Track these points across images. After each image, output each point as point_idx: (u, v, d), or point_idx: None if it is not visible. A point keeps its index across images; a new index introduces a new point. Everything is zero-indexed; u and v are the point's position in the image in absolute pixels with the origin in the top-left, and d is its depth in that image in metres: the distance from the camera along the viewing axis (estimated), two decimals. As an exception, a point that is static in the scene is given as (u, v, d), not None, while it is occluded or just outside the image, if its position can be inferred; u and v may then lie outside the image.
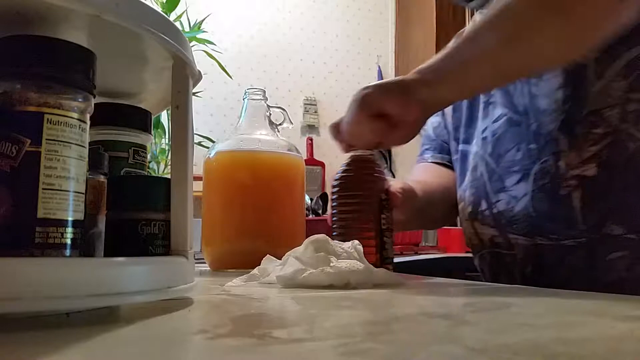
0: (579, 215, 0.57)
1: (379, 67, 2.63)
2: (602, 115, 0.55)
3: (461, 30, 0.58)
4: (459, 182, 0.75)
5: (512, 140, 0.64)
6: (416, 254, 1.79)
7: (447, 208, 0.80)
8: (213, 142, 1.30)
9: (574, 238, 0.57)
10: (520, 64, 0.53)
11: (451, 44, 0.57)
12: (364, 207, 0.59)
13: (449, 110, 0.80)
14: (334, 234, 0.61)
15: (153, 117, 0.51)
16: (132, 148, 0.48)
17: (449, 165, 0.82)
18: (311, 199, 1.79)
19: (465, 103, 0.76)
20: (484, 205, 0.67)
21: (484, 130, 0.69)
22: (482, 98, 0.71)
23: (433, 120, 0.85)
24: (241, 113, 0.77)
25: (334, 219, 0.61)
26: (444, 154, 0.83)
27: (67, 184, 0.30)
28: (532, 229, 0.60)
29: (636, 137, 0.54)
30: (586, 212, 0.56)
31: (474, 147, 0.71)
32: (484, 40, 0.53)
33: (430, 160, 0.84)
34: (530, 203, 0.60)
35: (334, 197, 0.61)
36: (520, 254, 0.62)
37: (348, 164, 0.61)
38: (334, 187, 0.61)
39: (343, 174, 0.61)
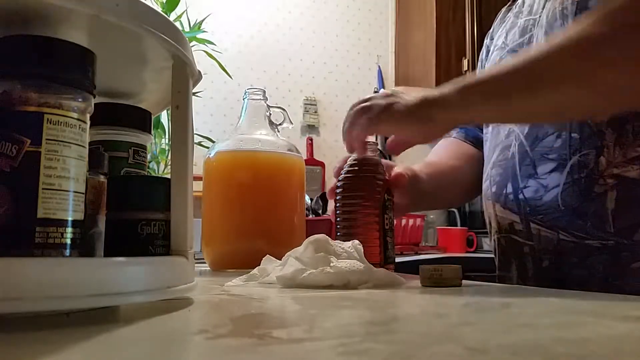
0: (611, 216, 0.54)
1: (379, 67, 2.63)
2: None
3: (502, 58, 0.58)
4: (487, 159, 0.72)
5: (554, 125, 0.60)
6: (416, 254, 1.79)
7: (460, 191, 0.79)
8: (213, 142, 1.30)
9: (600, 240, 0.55)
10: (554, 113, 0.53)
11: (493, 71, 0.55)
12: (367, 207, 0.59)
13: None
14: (338, 234, 0.61)
15: (153, 117, 0.51)
16: (132, 148, 0.48)
17: (475, 144, 0.81)
18: (311, 199, 1.79)
19: None
20: (509, 189, 0.64)
21: None
22: None
23: None
24: (241, 113, 0.77)
25: (338, 219, 0.61)
26: (469, 131, 0.82)
27: (67, 184, 0.30)
28: (558, 223, 0.58)
29: None
30: (619, 215, 0.54)
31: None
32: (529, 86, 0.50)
33: (454, 136, 0.83)
34: (561, 195, 0.58)
35: (338, 197, 0.62)
36: (539, 245, 0.61)
37: (351, 165, 0.61)
38: (338, 187, 0.62)
39: (347, 175, 0.61)
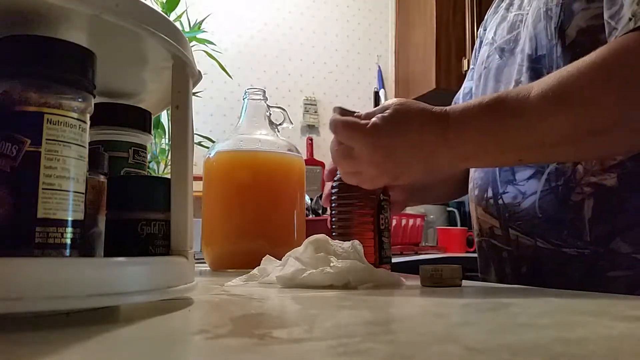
0: (587, 225, 0.54)
1: (379, 67, 2.63)
2: None
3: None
4: None
5: None
6: (416, 254, 1.79)
7: (454, 184, 0.79)
8: (213, 142, 1.30)
9: (577, 248, 0.55)
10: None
11: (497, 103, 0.51)
12: (362, 207, 0.59)
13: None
14: (334, 234, 0.61)
15: (153, 117, 0.51)
16: (132, 148, 0.48)
17: None
18: (311, 199, 1.79)
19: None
20: (490, 193, 0.64)
21: None
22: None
23: (465, 86, 0.83)
24: (241, 113, 0.77)
25: (333, 219, 0.61)
26: None
27: (67, 184, 0.30)
28: (535, 230, 0.58)
29: None
30: (595, 224, 0.54)
31: None
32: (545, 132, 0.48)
33: None
34: (538, 203, 0.58)
35: (333, 197, 0.62)
36: (517, 252, 0.61)
37: None
38: (333, 188, 0.61)
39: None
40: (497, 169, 0.64)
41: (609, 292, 0.46)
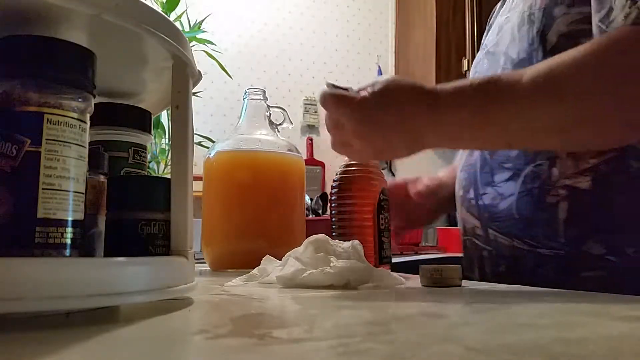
0: (562, 226, 0.55)
1: (379, 67, 2.63)
2: None
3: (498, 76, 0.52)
4: (459, 162, 0.73)
5: None
6: (416, 254, 1.79)
7: None
8: (213, 142, 1.30)
9: (552, 249, 0.56)
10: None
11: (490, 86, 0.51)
12: (362, 207, 0.59)
13: None
14: (334, 234, 0.61)
15: (153, 117, 0.51)
16: (132, 148, 0.48)
17: None
18: (311, 199, 1.79)
19: None
20: (471, 194, 0.65)
21: None
22: None
23: None
24: (241, 113, 0.77)
25: (334, 219, 0.61)
26: None
27: (67, 184, 0.30)
28: (512, 230, 0.59)
29: None
30: (569, 225, 0.55)
31: None
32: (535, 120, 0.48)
33: None
34: (515, 204, 0.58)
35: (333, 197, 0.62)
36: (496, 251, 0.62)
37: (347, 165, 0.61)
38: (333, 187, 0.62)
39: (342, 175, 0.61)
40: (477, 170, 0.64)
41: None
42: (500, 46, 0.66)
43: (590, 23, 0.54)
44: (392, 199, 0.65)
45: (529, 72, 0.48)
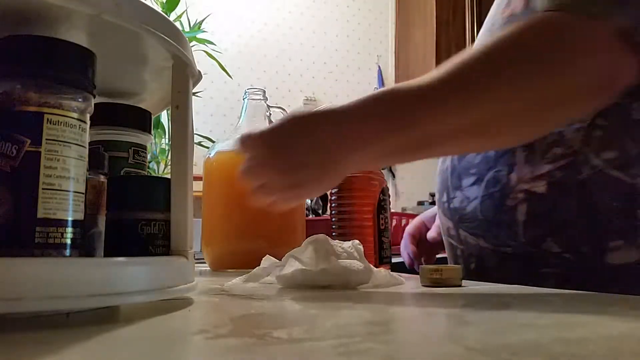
0: (521, 227, 0.58)
1: (379, 67, 2.63)
2: (564, 135, 0.56)
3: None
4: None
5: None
6: (416, 254, 1.78)
7: None
8: (213, 142, 1.30)
9: (513, 247, 0.59)
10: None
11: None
12: (362, 207, 0.59)
13: None
14: (334, 234, 0.61)
15: (153, 117, 0.51)
16: (132, 148, 0.48)
17: None
18: (311, 199, 1.79)
19: None
20: (444, 197, 0.68)
21: None
22: None
23: None
24: (241, 113, 0.77)
25: (334, 219, 0.61)
26: None
27: (67, 184, 0.30)
28: (478, 231, 0.63)
29: (593, 163, 0.54)
30: (528, 226, 0.58)
31: None
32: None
33: None
34: (479, 207, 0.62)
35: (333, 197, 0.62)
36: (467, 250, 0.65)
37: None
38: (333, 188, 0.62)
39: (342, 175, 0.61)
40: (448, 176, 0.67)
41: (542, 287, 0.49)
42: None
43: None
44: (416, 236, 0.80)
45: (437, 71, 0.49)
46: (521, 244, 0.58)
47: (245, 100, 0.77)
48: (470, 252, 0.65)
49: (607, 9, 0.46)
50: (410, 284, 0.50)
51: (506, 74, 0.47)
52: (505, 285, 0.52)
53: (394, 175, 2.62)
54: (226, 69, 1.79)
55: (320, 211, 1.79)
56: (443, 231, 0.72)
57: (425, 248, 0.89)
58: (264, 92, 0.77)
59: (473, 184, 0.63)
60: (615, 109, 0.53)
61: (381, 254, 0.60)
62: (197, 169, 0.60)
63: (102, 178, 0.40)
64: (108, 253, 0.39)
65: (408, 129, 0.48)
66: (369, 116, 0.50)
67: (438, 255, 0.96)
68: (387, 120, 0.49)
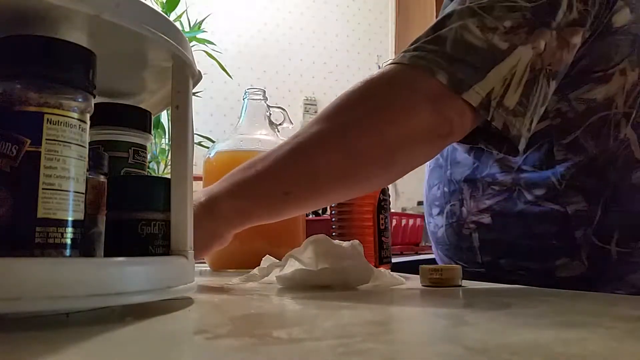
0: (478, 251, 0.67)
1: (379, 67, 2.63)
2: (497, 178, 0.64)
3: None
4: None
5: (436, 179, 0.74)
6: (416, 254, 1.79)
7: None
8: (213, 142, 1.30)
9: (474, 267, 0.68)
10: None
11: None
12: (362, 207, 0.59)
13: None
14: (334, 234, 0.61)
15: (153, 117, 0.51)
16: (132, 148, 0.48)
17: None
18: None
19: None
20: (426, 220, 0.79)
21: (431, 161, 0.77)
22: None
23: None
24: (241, 113, 0.77)
25: (334, 219, 0.61)
26: None
27: (67, 184, 0.30)
28: (447, 253, 0.73)
29: (526, 198, 0.62)
30: (483, 250, 0.66)
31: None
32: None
33: None
34: (445, 233, 0.71)
35: (334, 197, 0.62)
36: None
37: None
38: None
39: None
40: (425, 205, 0.77)
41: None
42: None
43: None
44: None
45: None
46: (480, 264, 0.67)
47: (245, 100, 0.77)
48: None
49: (431, 64, 0.49)
50: (410, 284, 0.50)
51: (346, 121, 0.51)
52: (505, 285, 0.52)
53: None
54: (226, 69, 1.79)
55: (320, 211, 1.79)
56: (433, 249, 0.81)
57: None
58: (264, 92, 0.77)
59: (438, 213, 0.73)
60: (540, 150, 0.61)
61: (381, 254, 0.60)
62: (197, 169, 0.60)
63: (102, 178, 0.40)
64: (108, 253, 0.39)
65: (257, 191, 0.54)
66: (223, 195, 0.54)
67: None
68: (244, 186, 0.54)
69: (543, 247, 0.61)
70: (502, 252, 0.65)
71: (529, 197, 0.62)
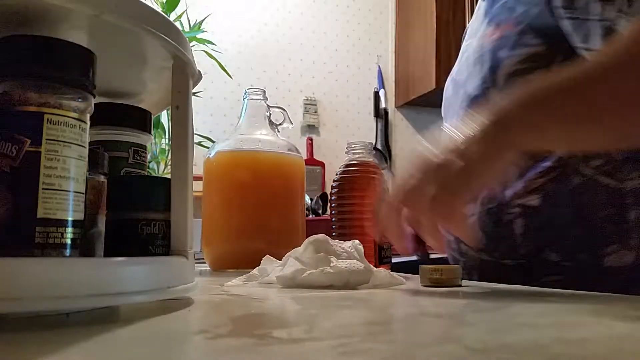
0: (519, 240, 0.60)
1: (379, 67, 2.63)
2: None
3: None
4: None
5: None
6: (416, 254, 1.78)
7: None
8: (213, 142, 1.30)
9: (513, 259, 0.61)
10: None
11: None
12: (362, 207, 0.59)
13: None
14: (334, 234, 0.61)
15: (153, 117, 0.51)
16: (132, 148, 0.48)
17: None
18: (311, 199, 1.79)
19: None
20: None
21: None
22: None
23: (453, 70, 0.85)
24: (241, 113, 0.77)
25: (334, 219, 0.61)
26: None
27: (67, 184, 0.30)
28: (478, 245, 0.65)
29: (582, 172, 0.56)
30: (526, 238, 0.60)
31: None
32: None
33: None
34: (477, 223, 0.64)
35: (334, 197, 0.62)
36: (468, 262, 0.67)
37: (347, 165, 0.61)
38: (333, 187, 0.62)
39: (342, 175, 0.61)
40: None
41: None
42: (461, 76, 0.70)
43: (535, 61, 0.57)
44: None
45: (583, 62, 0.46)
46: (521, 255, 0.60)
47: (245, 100, 0.77)
48: (472, 265, 0.66)
49: None
50: (410, 284, 0.50)
51: None
52: (505, 285, 0.52)
53: (394, 175, 2.62)
54: (226, 69, 1.79)
55: (320, 211, 1.79)
56: (448, 244, 0.73)
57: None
58: (264, 92, 0.77)
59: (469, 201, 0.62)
60: None
61: (381, 254, 0.60)
62: (197, 169, 0.60)
63: (102, 178, 0.40)
64: (108, 253, 0.39)
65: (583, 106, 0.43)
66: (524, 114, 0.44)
67: (437, 256, 0.95)
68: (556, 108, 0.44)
69: (593, 231, 0.57)
70: (548, 240, 0.59)
71: (584, 170, 0.56)
